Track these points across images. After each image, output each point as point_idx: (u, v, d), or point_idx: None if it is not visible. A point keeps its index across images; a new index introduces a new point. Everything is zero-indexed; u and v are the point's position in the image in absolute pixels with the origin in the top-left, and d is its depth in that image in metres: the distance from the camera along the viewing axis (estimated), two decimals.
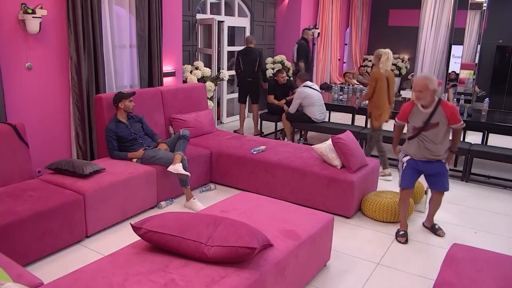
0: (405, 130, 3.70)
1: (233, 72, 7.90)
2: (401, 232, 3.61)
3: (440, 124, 3.35)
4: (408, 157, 3.58)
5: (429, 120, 3.35)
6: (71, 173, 3.54)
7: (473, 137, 6.23)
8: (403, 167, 3.60)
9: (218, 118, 7.70)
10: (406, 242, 3.56)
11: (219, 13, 7.47)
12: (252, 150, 4.49)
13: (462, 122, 3.40)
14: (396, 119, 3.65)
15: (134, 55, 5.10)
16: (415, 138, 3.46)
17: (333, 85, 8.17)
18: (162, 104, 4.90)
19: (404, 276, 3.04)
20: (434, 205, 3.72)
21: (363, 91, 6.53)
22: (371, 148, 5.26)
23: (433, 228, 3.75)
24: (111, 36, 4.74)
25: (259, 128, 6.99)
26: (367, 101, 5.25)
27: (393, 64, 11.51)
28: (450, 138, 3.52)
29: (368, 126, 5.36)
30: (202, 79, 6.37)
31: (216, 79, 6.65)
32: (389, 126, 4.84)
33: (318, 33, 9.27)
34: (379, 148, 5.16)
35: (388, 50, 4.96)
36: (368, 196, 4.03)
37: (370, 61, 11.61)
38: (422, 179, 4.19)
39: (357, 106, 6.04)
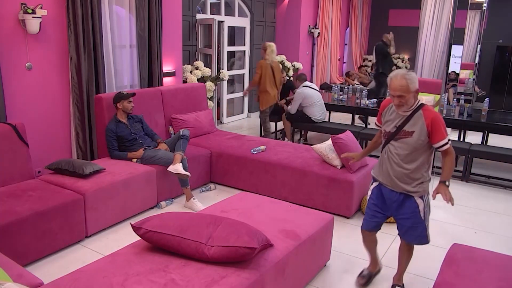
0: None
1: (233, 72, 7.91)
2: (364, 272, 2.94)
3: (415, 135, 2.46)
4: (376, 183, 2.74)
5: (403, 126, 2.49)
6: (71, 173, 3.54)
7: (473, 137, 6.23)
8: (368, 198, 2.79)
9: (218, 118, 7.70)
10: (365, 285, 2.88)
11: (219, 13, 7.47)
12: (252, 150, 4.49)
13: (448, 139, 2.47)
14: (375, 121, 2.89)
15: (134, 55, 5.10)
16: (383, 149, 2.67)
17: (333, 85, 8.17)
18: (162, 104, 4.90)
19: (404, 276, 3.04)
20: (402, 257, 2.81)
21: (363, 91, 6.54)
22: (265, 130, 6.25)
23: None
24: (111, 36, 4.74)
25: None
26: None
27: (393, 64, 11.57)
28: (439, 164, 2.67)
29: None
30: (202, 79, 6.37)
31: (216, 79, 6.64)
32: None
33: (318, 33, 9.27)
34: (264, 128, 6.25)
35: (272, 44, 5.98)
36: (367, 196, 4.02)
37: (370, 61, 11.61)
38: None
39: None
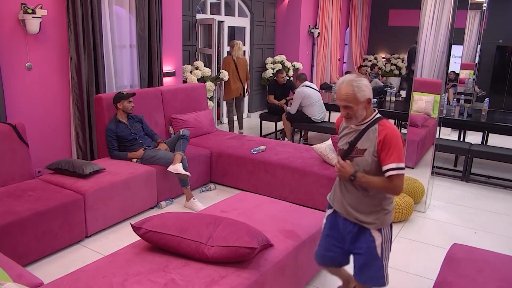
0: None
1: None
2: None
3: (367, 154, 2.03)
4: (331, 211, 2.31)
5: (355, 142, 2.07)
6: (71, 173, 3.54)
7: (473, 137, 6.23)
8: (322, 227, 2.37)
9: (218, 118, 7.70)
10: None
11: (219, 13, 7.47)
12: (252, 150, 4.49)
13: (399, 167, 1.95)
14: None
15: (134, 55, 5.10)
16: None
17: (333, 85, 8.17)
18: (162, 104, 4.90)
19: (404, 276, 3.04)
20: None
21: None
22: (228, 119, 6.75)
23: None
24: (111, 36, 4.74)
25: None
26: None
27: (392, 64, 11.59)
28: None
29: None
30: (202, 79, 6.37)
31: (216, 79, 6.65)
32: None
33: (318, 33, 9.28)
34: (228, 118, 6.75)
35: (239, 41, 6.48)
36: None
37: (370, 61, 11.62)
38: (422, 177, 4.20)
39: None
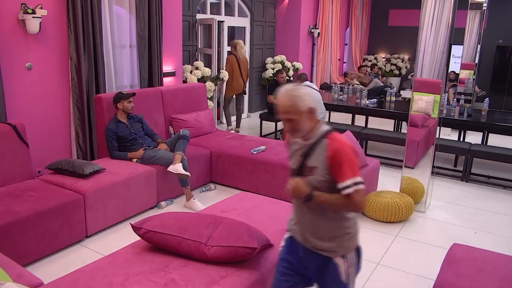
0: None
1: None
2: None
3: (318, 172, 1.82)
4: (289, 234, 2.05)
5: (305, 159, 1.86)
6: (71, 173, 3.54)
7: (473, 137, 6.23)
8: (280, 249, 2.08)
9: (218, 118, 7.70)
10: None
11: (219, 13, 7.47)
12: (252, 150, 4.49)
13: (355, 182, 1.74)
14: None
15: (134, 55, 5.10)
16: None
17: (333, 85, 8.17)
18: (162, 104, 4.90)
19: (404, 276, 3.04)
20: None
21: (363, 91, 6.55)
22: (225, 114, 7.03)
23: None
24: (111, 36, 4.74)
25: None
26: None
27: (392, 64, 11.59)
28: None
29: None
30: (202, 79, 6.37)
31: (216, 79, 6.65)
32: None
33: (318, 33, 9.28)
34: (225, 112, 6.98)
35: (240, 41, 6.73)
36: (368, 196, 4.03)
37: (370, 61, 11.62)
38: (422, 177, 4.20)
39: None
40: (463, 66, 8.30)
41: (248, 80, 7.06)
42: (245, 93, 7.14)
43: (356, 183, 1.74)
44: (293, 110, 1.79)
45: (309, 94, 1.83)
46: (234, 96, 6.96)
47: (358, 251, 1.95)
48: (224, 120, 7.54)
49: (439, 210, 4.21)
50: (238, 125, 7.06)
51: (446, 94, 7.02)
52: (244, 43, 8.09)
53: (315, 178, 1.82)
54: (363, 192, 1.77)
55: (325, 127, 1.87)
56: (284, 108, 1.80)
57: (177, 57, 5.74)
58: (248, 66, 7.13)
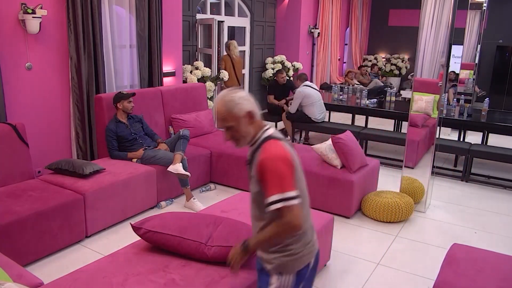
0: None
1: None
2: None
3: (252, 181, 1.73)
4: None
5: (249, 168, 1.76)
6: (71, 173, 3.54)
7: (473, 137, 6.23)
8: None
9: None
10: None
11: (219, 13, 7.47)
12: None
13: (281, 197, 1.56)
14: None
15: (134, 55, 5.10)
16: None
17: (333, 85, 8.17)
18: (162, 104, 4.90)
19: (404, 276, 3.04)
20: None
21: (363, 91, 6.55)
22: None
23: None
24: (111, 36, 4.74)
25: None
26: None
27: (392, 64, 11.59)
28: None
29: None
30: (202, 79, 6.37)
31: (216, 79, 6.65)
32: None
33: (318, 33, 9.28)
34: None
35: (234, 41, 6.80)
36: (368, 196, 4.03)
37: (370, 61, 11.62)
38: (422, 177, 4.20)
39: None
40: (463, 66, 8.30)
41: (242, 79, 7.16)
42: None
43: (285, 199, 1.55)
44: (229, 116, 1.67)
45: (245, 98, 1.70)
46: None
47: (300, 276, 1.72)
48: None
49: (439, 210, 4.21)
50: None
51: (446, 94, 7.02)
52: (244, 43, 8.10)
53: (252, 187, 1.72)
54: (297, 209, 1.57)
55: (266, 133, 1.71)
56: (220, 115, 1.69)
57: (177, 57, 5.74)
58: (243, 66, 7.22)
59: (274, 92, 6.69)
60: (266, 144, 1.66)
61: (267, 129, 1.73)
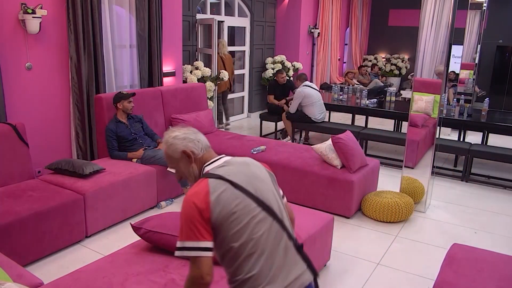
0: None
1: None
2: None
3: None
4: None
5: None
6: (71, 173, 3.54)
7: (473, 137, 6.23)
8: None
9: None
10: None
11: (219, 13, 7.47)
12: (252, 150, 4.49)
13: (185, 246, 1.44)
14: None
15: (134, 55, 5.10)
16: None
17: (333, 85, 8.17)
18: (162, 104, 4.90)
19: (404, 276, 3.04)
20: None
21: (363, 91, 6.55)
22: (218, 112, 7.16)
23: None
24: (111, 36, 4.74)
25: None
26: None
27: (392, 64, 11.59)
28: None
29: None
30: (202, 79, 6.37)
31: (216, 79, 6.65)
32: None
33: (318, 33, 9.28)
34: (218, 109, 7.09)
35: (222, 39, 6.98)
36: (368, 196, 4.03)
37: (370, 61, 11.62)
38: (422, 177, 4.20)
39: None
40: (463, 66, 8.29)
41: (232, 77, 7.24)
42: (230, 90, 7.37)
43: (182, 248, 1.43)
44: (168, 158, 1.64)
45: (181, 136, 1.61)
46: (222, 93, 7.16)
47: None
48: (224, 120, 7.56)
49: (439, 210, 4.21)
50: (227, 118, 7.37)
51: (446, 94, 7.02)
52: (244, 43, 8.11)
53: None
54: (199, 262, 1.41)
55: (205, 169, 1.60)
56: (165, 158, 1.67)
57: (177, 57, 5.74)
58: (233, 63, 7.44)
59: (274, 92, 6.69)
60: (196, 183, 1.54)
61: (212, 162, 1.62)
